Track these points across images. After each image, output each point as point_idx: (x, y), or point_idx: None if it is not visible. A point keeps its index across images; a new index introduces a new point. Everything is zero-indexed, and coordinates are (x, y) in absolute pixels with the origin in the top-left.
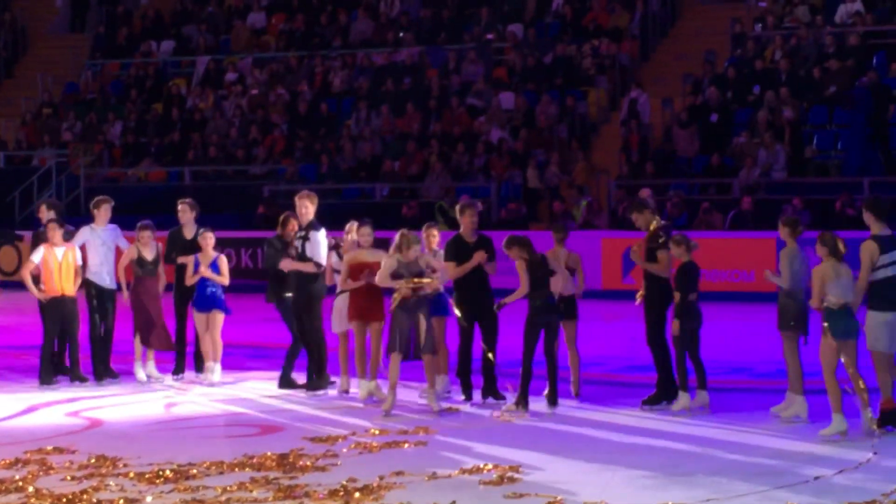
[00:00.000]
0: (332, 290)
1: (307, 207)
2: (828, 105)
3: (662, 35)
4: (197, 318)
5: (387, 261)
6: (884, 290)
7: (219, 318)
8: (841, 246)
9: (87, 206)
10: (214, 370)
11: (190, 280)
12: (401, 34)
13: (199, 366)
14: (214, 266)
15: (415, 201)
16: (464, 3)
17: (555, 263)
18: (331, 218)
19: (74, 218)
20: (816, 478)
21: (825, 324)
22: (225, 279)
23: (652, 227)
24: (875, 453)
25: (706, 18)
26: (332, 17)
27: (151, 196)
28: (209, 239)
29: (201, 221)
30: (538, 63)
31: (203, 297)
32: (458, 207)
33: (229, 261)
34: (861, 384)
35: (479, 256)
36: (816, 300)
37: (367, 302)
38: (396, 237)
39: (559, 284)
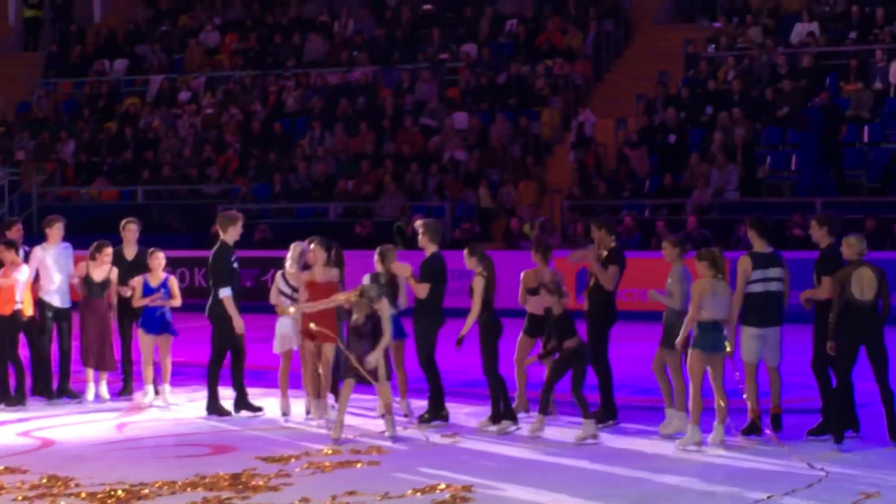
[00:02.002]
0: (273, 310)
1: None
2: (781, 126)
3: (616, 55)
4: (145, 339)
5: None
6: (754, 305)
7: (169, 340)
8: (720, 263)
9: (40, 225)
10: (165, 392)
11: (138, 302)
12: (354, 53)
13: (127, 386)
14: (165, 287)
15: (368, 220)
16: (417, 23)
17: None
18: (284, 237)
19: (27, 237)
20: (769, 497)
21: (695, 336)
22: (177, 300)
23: (605, 245)
24: (826, 474)
25: (659, 39)
26: (286, 37)
27: (104, 215)
28: (160, 259)
29: (153, 241)
30: (492, 83)
31: (152, 320)
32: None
33: (181, 281)
34: (722, 401)
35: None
36: (693, 314)
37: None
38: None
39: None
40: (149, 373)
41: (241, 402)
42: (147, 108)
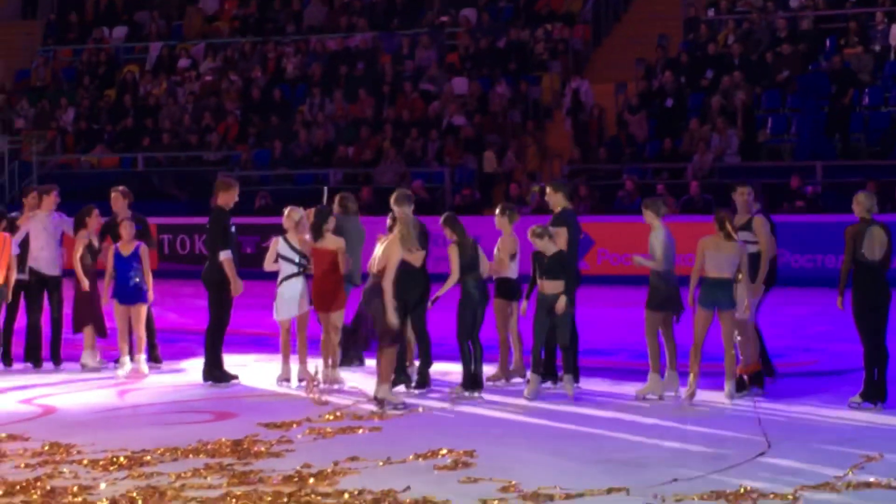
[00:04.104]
0: (273, 277)
1: None
2: (780, 89)
3: (615, 20)
4: (119, 310)
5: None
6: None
7: (142, 310)
8: (728, 224)
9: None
10: (140, 361)
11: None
12: (354, 19)
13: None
14: (136, 256)
15: (368, 187)
16: None
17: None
18: (284, 204)
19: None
20: (761, 454)
21: (700, 292)
22: (148, 273)
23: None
24: None
25: (658, 3)
26: (286, 3)
27: (104, 183)
28: (129, 228)
29: (153, 208)
30: (491, 48)
31: (125, 289)
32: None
33: (182, 248)
34: (731, 354)
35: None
36: (696, 270)
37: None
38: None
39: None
40: (124, 344)
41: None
42: (147, 75)
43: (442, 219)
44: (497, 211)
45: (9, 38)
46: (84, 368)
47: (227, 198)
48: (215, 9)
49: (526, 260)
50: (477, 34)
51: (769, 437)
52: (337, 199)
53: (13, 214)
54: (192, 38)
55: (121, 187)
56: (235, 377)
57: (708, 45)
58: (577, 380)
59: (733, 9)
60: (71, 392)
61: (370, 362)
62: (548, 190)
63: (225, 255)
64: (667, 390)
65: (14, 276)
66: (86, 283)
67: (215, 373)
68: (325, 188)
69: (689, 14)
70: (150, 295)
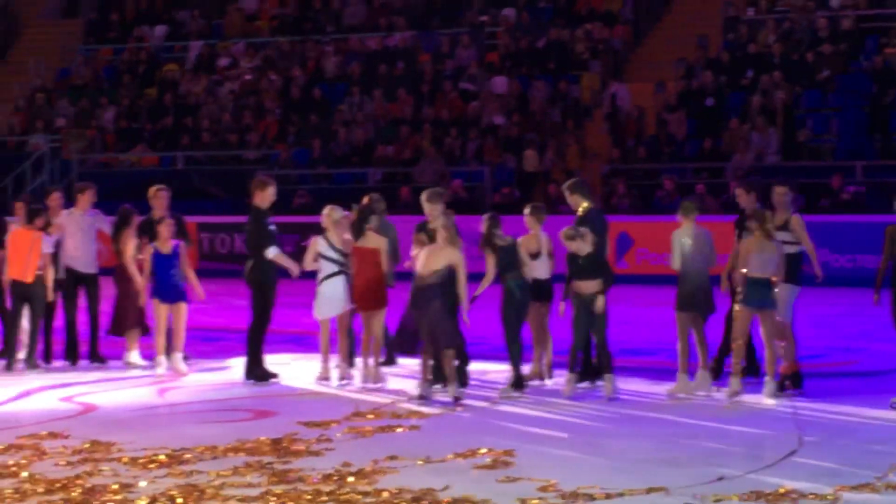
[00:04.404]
0: (313, 276)
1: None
2: (821, 89)
3: (655, 19)
4: (159, 308)
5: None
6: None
7: (183, 308)
8: (769, 224)
9: None
10: (178, 360)
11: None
12: (394, 18)
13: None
14: (176, 254)
15: (408, 186)
16: None
17: (533, 247)
18: (323, 203)
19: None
20: (799, 454)
21: (743, 291)
22: (190, 271)
23: (581, 209)
24: None
25: (699, 3)
26: (325, 2)
27: (144, 181)
28: (169, 226)
29: (193, 207)
30: (531, 47)
31: (169, 288)
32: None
33: (221, 246)
34: (772, 355)
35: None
36: (739, 270)
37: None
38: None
39: (540, 268)
40: (161, 342)
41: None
42: (187, 74)
43: (484, 218)
44: (526, 210)
45: (50, 37)
46: (129, 367)
47: (263, 197)
48: (255, 8)
49: (562, 260)
50: (517, 33)
51: (808, 437)
52: (365, 199)
53: (11, 219)
54: (232, 37)
55: (161, 186)
56: (276, 375)
57: (748, 45)
58: (591, 378)
59: (774, 8)
60: (111, 390)
61: (402, 361)
62: (566, 193)
63: (272, 252)
64: (700, 390)
65: (51, 275)
66: (140, 282)
67: (256, 371)
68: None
69: (729, 14)
70: (200, 292)
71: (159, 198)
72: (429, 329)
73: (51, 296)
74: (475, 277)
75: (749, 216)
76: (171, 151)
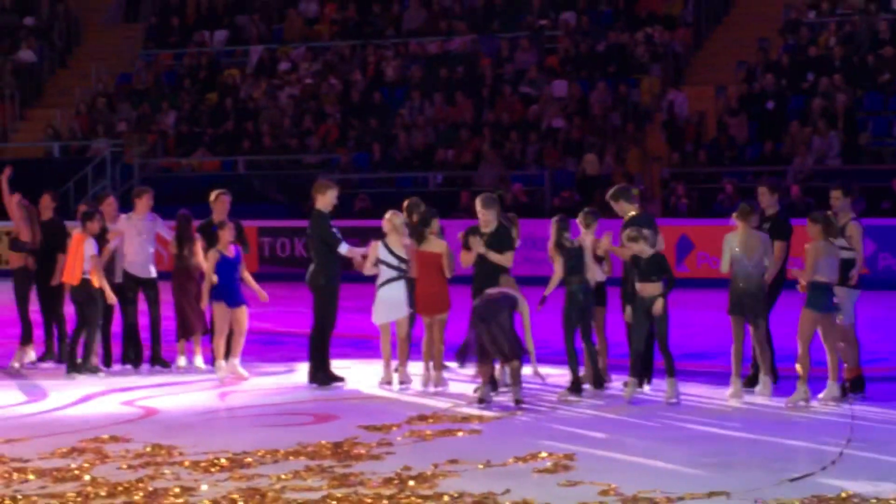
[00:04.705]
0: (373, 280)
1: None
2: (882, 92)
3: (716, 22)
4: (222, 311)
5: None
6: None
7: (244, 312)
8: (833, 226)
9: None
10: (236, 365)
11: (212, 278)
12: (453, 22)
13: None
14: (238, 257)
15: (467, 190)
16: None
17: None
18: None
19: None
20: (859, 458)
21: (808, 296)
22: (247, 274)
23: (628, 216)
24: None
25: (760, 5)
26: (385, 7)
27: (205, 186)
28: (231, 231)
29: (253, 211)
30: (591, 51)
31: (232, 292)
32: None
33: (282, 250)
34: (833, 357)
35: (476, 244)
36: (808, 275)
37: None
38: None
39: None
40: (221, 346)
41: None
42: (247, 78)
43: (553, 221)
44: (580, 215)
45: (111, 42)
46: (198, 372)
47: (324, 200)
48: (315, 12)
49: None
50: (577, 37)
51: (870, 440)
52: (405, 205)
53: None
54: (292, 42)
55: (222, 190)
56: (342, 379)
57: (809, 48)
58: (649, 381)
59: (835, 11)
60: (172, 394)
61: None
62: (610, 202)
63: (344, 248)
64: (762, 395)
65: (98, 279)
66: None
67: (320, 375)
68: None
69: (790, 16)
70: (263, 294)
71: (221, 202)
72: (494, 340)
73: (111, 299)
74: (536, 281)
75: (810, 218)
76: (232, 156)
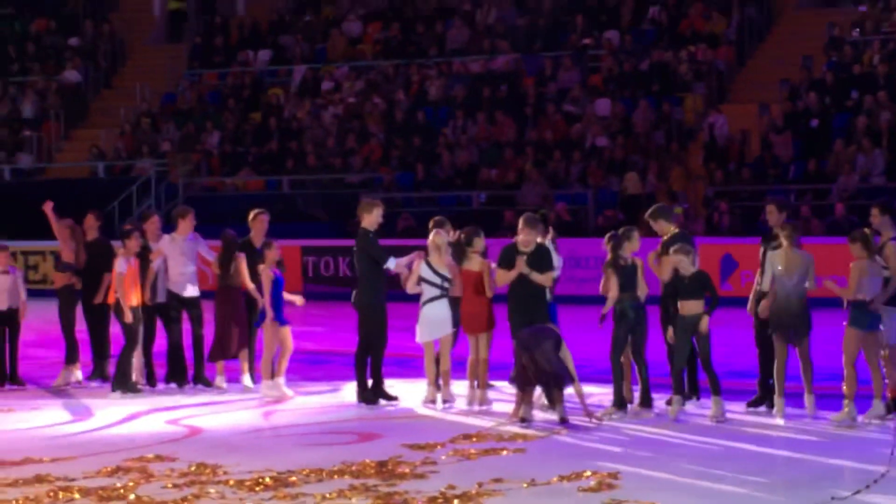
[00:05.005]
0: (416, 299)
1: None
2: None
3: (759, 40)
4: (273, 331)
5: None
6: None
7: (289, 331)
8: (872, 244)
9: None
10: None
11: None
12: (496, 41)
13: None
14: (281, 277)
15: (512, 209)
16: (559, 10)
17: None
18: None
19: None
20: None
21: (852, 315)
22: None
23: (667, 236)
24: None
25: (803, 23)
26: (429, 26)
27: (249, 205)
28: (276, 250)
29: (298, 230)
30: (634, 69)
31: (279, 311)
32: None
33: (326, 269)
34: (878, 375)
35: (520, 264)
36: (850, 293)
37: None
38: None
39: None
40: (269, 365)
41: (377, 391)
42: (291, 97)
43: (607, 238)
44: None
45: (155, 62)
46: (246, 391)
47: (371, 219)
48: (359, 32)
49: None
50: (620, 56)
51: None
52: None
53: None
54: (335, 61)
55: (261, 210)
56: (395, 398)
57: (853, 66)
58: (697, 397)
59: (879, 29)
60: (216, 413)
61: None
62: (649, 221)
63: (393, 263)
64: (810, 413)
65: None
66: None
67: (367, 394)
68: None
69: (833, 34)
70: (299, 299)
71: (259, 221)
72: (539, 369)
73: (127, 317)
74: (578, 300)
75: (850, 238)
76: (276, 175)
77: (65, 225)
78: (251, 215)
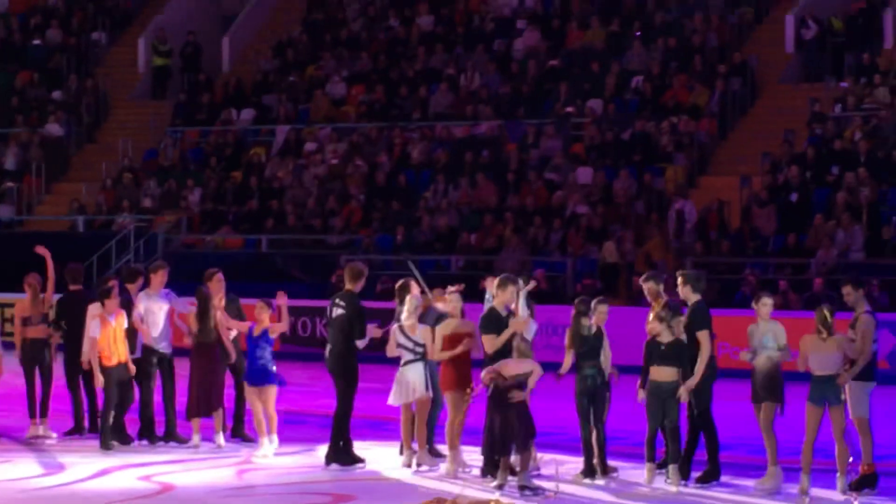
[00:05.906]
0: (395, 362)
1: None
2: None
3: (742, 113)
4: (248, 391)
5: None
6: (873, 361)
7: (271, 391)
8: (828, 322)
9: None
10: (272, 442)
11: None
12: (480, 107)
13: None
14: (265, 336)
15: (490, 275)
16: (543, 78)
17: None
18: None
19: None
20: None
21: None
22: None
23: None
24: None
25: (785, 98)
26: (412, 90)
27: (229, 263)
28: (263, 310)
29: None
30: (616, 139)
31: (254, 371)
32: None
33: (303, 330)
34: (842, 449)
35: (515, 325)
36: (800, 365)
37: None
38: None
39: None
40: (261, 426)
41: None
42: (273, 157)
43: (575, 303)
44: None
45: (138, 118)
46: (220, 449)
47: (359, 285)
48: (342, 93)
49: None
50: (602, 125)
51: None
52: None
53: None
54: (318, 122)
55: (216, 269)
56: (362, 460)
57: (834, 141)
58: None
59: (860, 105)
60: (189, 470)
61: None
62: (679, 280)
63: (363, 343)
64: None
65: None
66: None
67: (341, 456)
68: (410, 262)
69: (815, 109)
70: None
71: (217, 280)
72: (506, 429)
73: (98, 382)
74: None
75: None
76: (256, 234)
77: (30, 280)
78: (206, 275)
